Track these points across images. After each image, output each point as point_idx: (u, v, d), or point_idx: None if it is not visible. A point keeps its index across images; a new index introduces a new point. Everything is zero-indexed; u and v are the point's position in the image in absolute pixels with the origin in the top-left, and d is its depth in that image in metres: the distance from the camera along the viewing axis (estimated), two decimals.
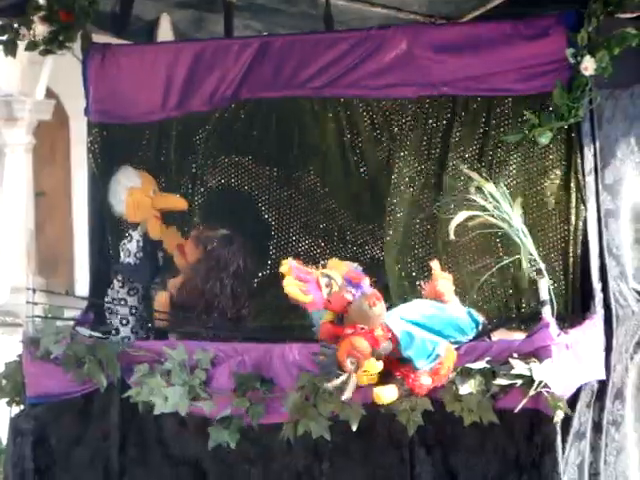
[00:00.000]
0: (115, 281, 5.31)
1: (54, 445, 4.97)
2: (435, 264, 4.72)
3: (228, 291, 5.05)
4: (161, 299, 5.13)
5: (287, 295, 4.32)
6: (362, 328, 4.21)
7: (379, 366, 4.28)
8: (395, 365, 4.35)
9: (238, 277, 5.10)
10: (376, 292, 4.38)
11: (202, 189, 5.64)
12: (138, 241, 5.31)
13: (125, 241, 5.34)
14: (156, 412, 4.66)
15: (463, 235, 4.68)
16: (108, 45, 5.53)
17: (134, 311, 5.26)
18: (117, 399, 4.81)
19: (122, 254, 5.34)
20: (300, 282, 4.30)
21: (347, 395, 4.19)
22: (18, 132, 13.60)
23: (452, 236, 4.54)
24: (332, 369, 4.27)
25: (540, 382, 4.25)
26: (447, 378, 4.36)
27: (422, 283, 4.84)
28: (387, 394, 4.30)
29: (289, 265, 4.33)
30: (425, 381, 4.33)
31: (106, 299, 5.28)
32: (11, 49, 5.45)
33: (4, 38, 5.43)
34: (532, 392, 4.25)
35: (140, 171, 5.39)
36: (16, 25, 5.39)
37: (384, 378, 4.34)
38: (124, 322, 5.23)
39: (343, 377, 4.19)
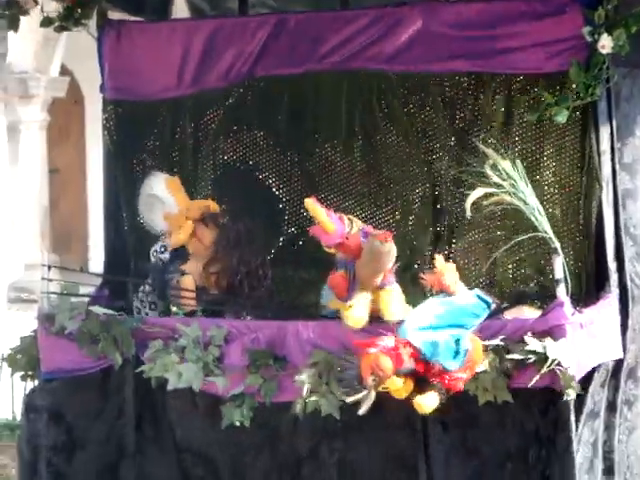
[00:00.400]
0: (147, 284, 5.28)
1: (69, 421, 4.98)
2: (439, 258, 4.66)
3: (253, 264, 5.08)
4: (188, 283, 5.12)
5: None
6: (385, 346, 4.24)
7: (399, 383, 4.28)
8: (429, 370, 4.33)
9: (256, 249, 5.11)
10: (387, 232, 4.46)
11: (216, 166, 5.65)
12: (165, 248, 5.30)
13: (159, 249, 5.31)
14: (169, 387, 4.67)
15: (478, 212, 4.68)
16: (123, 22, 5.54)
17: (163, 316, 5.26)
18: (131, 376, 4.81)
19: (153, 259, 5.31)
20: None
21: (363, 410, 4.22)
22: (33, 109, 13.62)
23: (468, 213, 4.53)
24: (353, 383, 4.29)
25: (554, 360, 4.25)
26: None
27: (422, 274, 4.78)
28: (429, 402, 4.31)
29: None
30: (461, 377, 4.33)
31: (135, 301, 5.28)
32: (14, 24, 5.44)
33: (7, 12, 5.43)
34: (545, 369, 4.25)
35: (169, 178, 5.29)
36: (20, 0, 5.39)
37: (420, 385, 4.34)
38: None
39: (363, 393, 4.23)
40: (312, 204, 4.49)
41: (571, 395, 4.30)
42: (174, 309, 5.02)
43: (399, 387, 4.30)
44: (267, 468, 4.69)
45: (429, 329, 4.36)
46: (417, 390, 4.33)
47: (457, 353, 4.32)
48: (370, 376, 4.21)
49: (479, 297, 4.55)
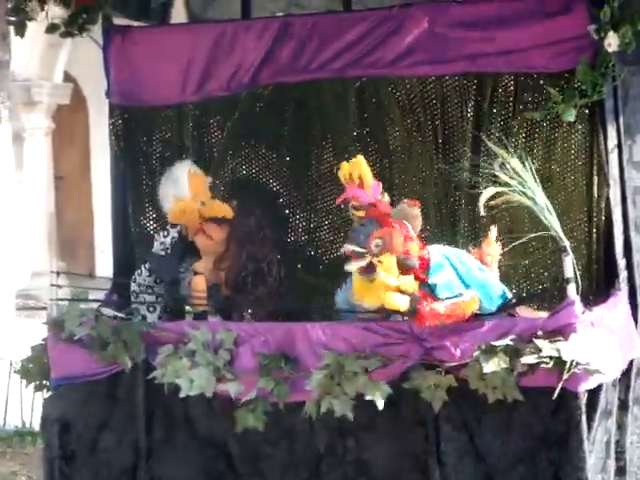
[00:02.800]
0: (143, 268, 5.30)
1: (79, 429, 4.96)
2: (494, 230, 4.82)
3: (264, 259, 5.11)
4: (199, 283, 5.13)
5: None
6: (408, 233, 4.40)
7: (392, 269, 4.37)
8: (420, 289, 4.45)
9: (268, 245, 5.14)
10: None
11: (223, 172, 5.64)
12: (173, 238, 5.30)
13: (162, 234, 5.33)
14: (182, 395, 4.67)
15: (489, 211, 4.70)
16: (128, 27, 5.53)
17: (160, 299, 5.26)
18: (142, 380, 4.80)
19: (155, 244, 5.32)
20: None
21: (351, 267, 4.41)
22: (37, 116, 13.64)
23: (482, 212, 4.53)
24: (360, 239, 4.45)
25: (572, 361, 4.22)
26: (457, 318, 4.42)
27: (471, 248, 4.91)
28: (397, 300, 4.37)
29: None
30: (438, 309, 4.39)
31: (132, 284, 5.28)
32: (21, 30, 5.44)
33: (14, 19, 5.44)
34: (566, 374, 4.21)
35: (195, 171, 5.28)
36: (29, 6, 5.39)
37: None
38: (151, 309, 5.23)
39: (360, 250, 4.38)
40: (360, 160, 4.65)
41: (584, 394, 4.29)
42: (187, 308, 5.03)
43: (390, 268, 4.37)
44: (285, 463, 4.69)
45: (450, 265, 4.49)
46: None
47: (453, 295, 4.43)
48: (376, 239, 4.35)
49: (503, 290, 4.65)
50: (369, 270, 4.43)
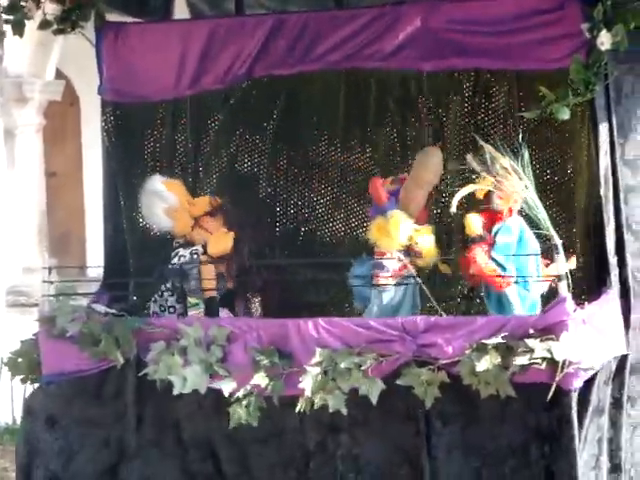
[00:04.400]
0: (164, 288, 5.30)
1: (66, 424, 4.96)
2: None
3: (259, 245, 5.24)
4: (208, 270, 5.15)
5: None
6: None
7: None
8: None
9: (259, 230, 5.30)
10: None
11: (216, 166, 5.64)
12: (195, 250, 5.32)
13: (178, 251, 5.33)
14: (175, 393, 4.66)
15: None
16: (121, 24, 5.52)
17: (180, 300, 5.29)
18: (133, 377, 4.80)
19: (176, 260, 5.30)
20: None
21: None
22: (28, 113, 13.57)
23: (454, 209, 4.59)
24: None
25: (564, 361, 4.23)
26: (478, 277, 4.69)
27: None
28: (475, 223, 4.73)
29: None
30: (481, 261, 4.66)
31: (152, 304, 5.29)
32: (19, 29, 5.43)
33: (12, 18, 5.41)
34: (559, 375, 4.23)
35: (167, 180, 5.33)
36: (24, 4, 5.37)
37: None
38: (171, 310, 5.23)
39: None
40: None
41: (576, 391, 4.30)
42: (192, 300, 5.04)
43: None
44: (274, 462, 4.68)
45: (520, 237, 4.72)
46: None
47: (500, 263, 4.68)
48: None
49: (534, 306, 4.77)
50: None
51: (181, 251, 5.25)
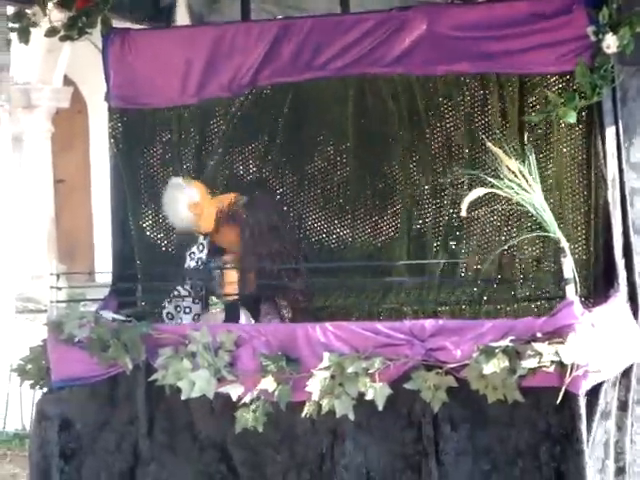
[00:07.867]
0: (181, 289, 5.31)
1: (79, 429, 4.97)
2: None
3: (280, 249, 5.23)
4: (231, 275, 5.19)
5: None
6: None
7: None
8: None
9: (280, 233, 5.26)
10: None
11: (223, 174, 5.65)
12: (203, 246, 5.35)
13: (195, 249, 5.36)
14: (183, 397, 4.67)
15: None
16: (128, 30, 5.54)
17: (197, 318, 5.33)
18: (143, 382, 4.80)
19: (189, 261, 5.34)
20: None
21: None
22: (37, 120, 13.66)
23: (464, 212, 4.56)
24: None
25: (573, 364, 4.22)
26: None
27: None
28: None
29: None
30: None
31: (168, 306, 5.29)
32: (24, 36, 5.44)
33: (17, 26, 5.43)
34: (568, 378, 4.22)
35: (187, 180, 5.39)
36: (30, 12, 5.39)
37: None
38: (187, 310, 5.29)
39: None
40: None
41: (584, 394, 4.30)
42: (214, 300, 5.08)
43: None
44: (286, 465, 4.68)
45: None
46: None
47: None
48: None
49: None
50: None
51: (193, 249, 5.30)
